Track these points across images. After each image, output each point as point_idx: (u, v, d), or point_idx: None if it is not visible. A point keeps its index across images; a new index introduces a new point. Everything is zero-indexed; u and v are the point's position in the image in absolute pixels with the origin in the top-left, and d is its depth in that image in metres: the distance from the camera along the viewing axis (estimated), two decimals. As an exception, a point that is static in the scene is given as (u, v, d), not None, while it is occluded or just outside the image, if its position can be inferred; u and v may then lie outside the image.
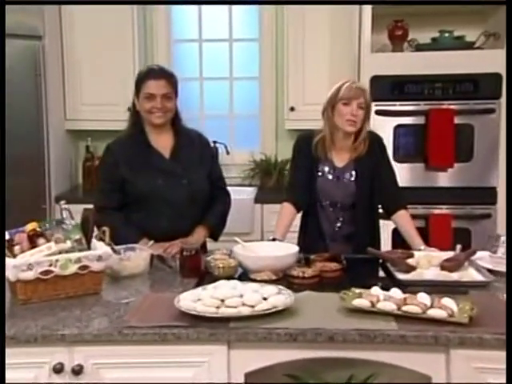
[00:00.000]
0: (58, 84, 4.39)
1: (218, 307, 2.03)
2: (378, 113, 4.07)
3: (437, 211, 4.10)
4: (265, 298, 2.08)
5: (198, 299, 2.08)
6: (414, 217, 4.05)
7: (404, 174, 4.12)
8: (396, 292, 2.11)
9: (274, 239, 2.81)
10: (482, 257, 2.58)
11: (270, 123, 4.73)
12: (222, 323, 1.98)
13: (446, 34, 4.24)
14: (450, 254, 2.62)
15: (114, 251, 2.57)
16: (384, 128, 4.08)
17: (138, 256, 2.56)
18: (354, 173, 2.89)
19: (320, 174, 2.91)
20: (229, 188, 4.50)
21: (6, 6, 3.86)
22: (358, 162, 2.89)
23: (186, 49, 4.89)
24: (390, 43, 4.30)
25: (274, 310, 2.02)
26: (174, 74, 2.96)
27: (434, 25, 4.25)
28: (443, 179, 4.12)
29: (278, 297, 2.08)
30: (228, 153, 4.71)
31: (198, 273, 2.49)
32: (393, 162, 3.99)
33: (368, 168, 2.89)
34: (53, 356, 1.96)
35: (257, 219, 4.23)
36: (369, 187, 2.89)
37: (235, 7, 4.78)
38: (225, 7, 4.78)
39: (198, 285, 2.32)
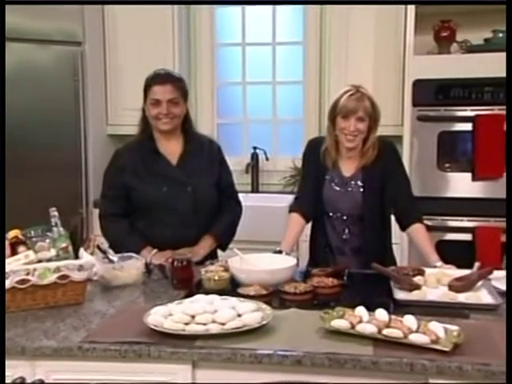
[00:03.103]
0: (100, 89, 4.40)
1: (187, 323, 1.93)
2: (421, 118, 3.86)
3: (485, 224, 3.83)
4: (240, 315, 1.96)
5: (169, 314, 1.99)
6: (460, 230, 3.87)
7: (449, 184, 3.91)
8: (381, 313, 1.94)
9: (280, 251, 2.68)
10: (499, 277, 2.36)
11: (313, 129, 4.57)
12: (188, 341, 1.87)
13: (500, 34, 3.97)
14: (464, 272, 2.41)
15: (109, 260, 2.53)
16: (427, 135, 3.89)
17: (131, 266, 2.49)
18: (361, 182, 2.72)
19: (327, 183, 2.76)
20: (267, 195, 4.49)
21: (47, 14, 3.97)
22: (366, 170, 2.72)
23: (228, 53, 4.81)
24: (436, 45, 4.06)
25: (245, 328, 1.90)
26: (183, 77, 2.88)
27: (487, 24, 3.98)
28: (492, 190, 3.83)
29: (252, 314, 1.96)
30: (267, 159, 4.60)
31: (189, 284, 2.41)
32: (436, 171, 3.88)
33: (377, 177, 2.71)
34: (15, 369, 1.90)
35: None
36: (378, 198, 2.71)
37: (279, 10, 4.66)
38: (269, 10, 4.66)
39: (186, 297, 2.21)
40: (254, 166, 4.63)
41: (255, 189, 4.64)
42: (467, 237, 3.85)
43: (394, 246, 3.18)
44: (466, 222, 3.86)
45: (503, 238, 3.75)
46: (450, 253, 3.66)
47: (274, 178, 4.65)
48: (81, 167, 4.17)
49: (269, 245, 2.83)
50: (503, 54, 3.66)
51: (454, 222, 3.88)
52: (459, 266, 2.52)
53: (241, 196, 4.33)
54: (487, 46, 3.95)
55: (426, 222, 3.69)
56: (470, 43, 4.03)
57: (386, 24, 4.15)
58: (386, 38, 4.15)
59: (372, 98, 2.66)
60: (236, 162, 4.63)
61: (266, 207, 4.18)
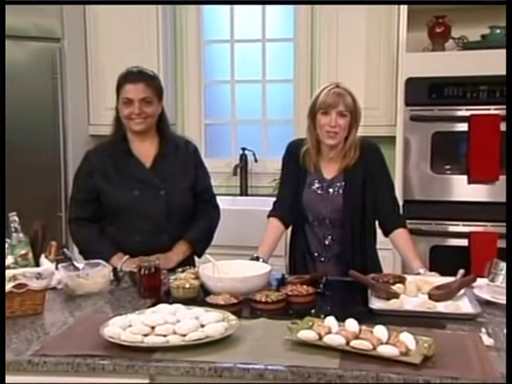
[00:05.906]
0: (81, 87, 4.25)
1: (146, 335, 1.78)
2: (414, 119, 3.69)
3: (480, 229, 3.65)
4: (203, 326, 1.82)
5: (128, 325, 1.84)
6: (455, 235, 3.70)
7: (443, 187, 3.74)
8: (351, 323, 1.80)
9: (257, 258, 2.53)
10: (481, 285, 2.22)
11: (304, 130, 4.37)
12: (147, 354, 1.73)
13: (498, 31, 3.81)
14: (447, 279, 2.28)
15: (74, 267, 2.38)
16: (421, 135, 3.73)
17: (97, 273, 2.34)
18: (342, 185, 2.57)
19: (307, 186, 2.61)
20: (257, 198, 4.33)
21: (23, 9, 3.81)
22: (348, 172, 2.57)
23: (216, 50, 4.65)
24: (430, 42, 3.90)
25: (206, 339, 1.76)
26: (157, 75, 2.73)
27: (483, 20, 3.83)
28: (487, 193, 3.67)
29: (216, 325, 1.82)
30: (256, 161, 4.45)
31: (157, 293, 2.26)
32: (430, 173, 3.71)
33: (358, 180, 2.57)
34: (-39, 385, 1.76)
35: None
36: (360, 201, 2.57)
37: (268, 5, 4.50)
38: (258, 6, 4.50)
39: (153, 306, 2.06)
40: (242, 168, 4.48)
41: (244, 192, 4.50)
42: (463, 242, 3.67)
43: (387, 252, 3.05)
44: (461, 227, 3.69)
45: (499, 244, 3.59)
46: (445, 259, 3.56)
47: (264, 180, 4.48)
48: (60, 169, 4.02)
49: (251, 250, 2.68)
50: (499, 51, 3.52)
51: (448, 227, 3.71)
52: (453, 274, 2.36)
53: (229, 199, 4.24)
54: (484, 43, 3.79)
55: (418, 226, 3.59)
56: (467, 39, 3.87)
57: (377, 20, 4.01)
58: (377, 35, 4.01)
59: (352, 93, 2.53)
60: (224, 163, 4.52)
61: (255, 211, 4.01)
